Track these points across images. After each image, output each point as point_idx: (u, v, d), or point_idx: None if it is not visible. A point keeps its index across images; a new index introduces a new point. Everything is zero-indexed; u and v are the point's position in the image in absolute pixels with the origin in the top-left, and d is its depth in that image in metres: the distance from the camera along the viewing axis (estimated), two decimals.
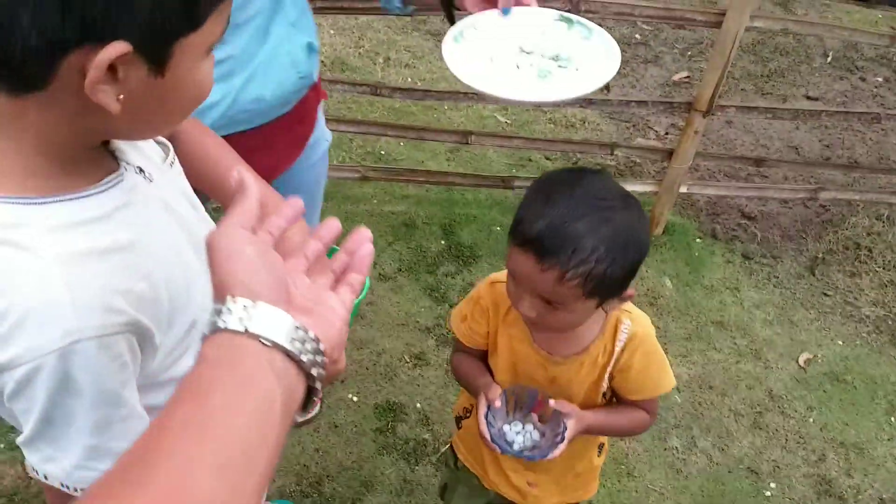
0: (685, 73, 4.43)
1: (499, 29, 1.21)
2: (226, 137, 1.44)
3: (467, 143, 2.87)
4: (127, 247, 0.76)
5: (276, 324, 0.59)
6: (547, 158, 3.53)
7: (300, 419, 0.63)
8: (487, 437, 1.24)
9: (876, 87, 4.48)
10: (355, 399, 2.37)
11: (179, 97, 0.72)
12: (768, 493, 2.28)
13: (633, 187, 3.16)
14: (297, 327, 0.60)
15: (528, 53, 1.21)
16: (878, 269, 3.16)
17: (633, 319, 1.28)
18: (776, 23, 2.71)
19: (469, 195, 3.22)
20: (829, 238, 3.26)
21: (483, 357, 1.42)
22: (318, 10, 2.04)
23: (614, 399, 1.36)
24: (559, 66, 1.18)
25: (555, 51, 1.20)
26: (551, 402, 1.25)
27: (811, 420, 2.52)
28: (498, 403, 1.26)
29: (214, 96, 1.36)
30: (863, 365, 2.75)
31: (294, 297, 0.64)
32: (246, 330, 0.58)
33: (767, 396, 2.58)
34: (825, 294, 3.05)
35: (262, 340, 0.58)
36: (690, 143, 2.85)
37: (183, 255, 0.85)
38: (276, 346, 0.58)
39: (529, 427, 1.30)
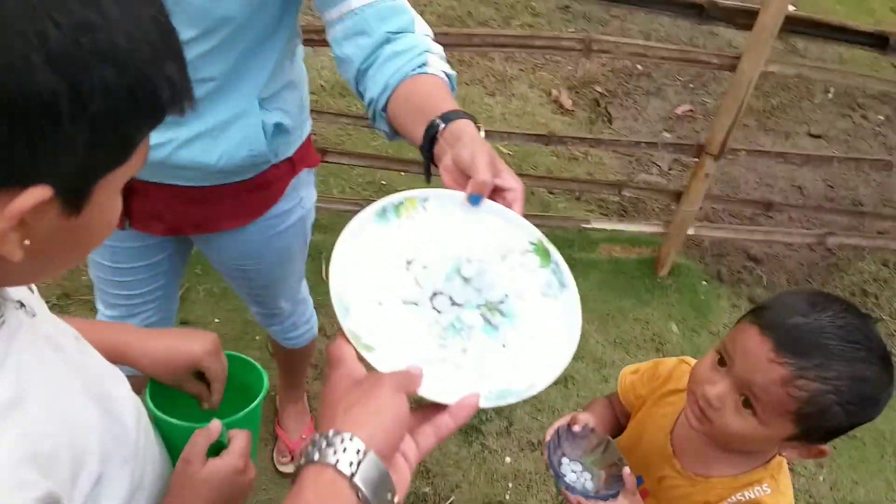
0: (688, 106, 4.39)
1: (447, 224, 0.95)
2: (160, 186, 1.37)
3: None
4: (20, 402, 0.62)
5: (376, 479, 0.62)
6: (550, 193, 3.46)
7: None
8: (545, 447, 1.17)
9: (878, 125, 4.47)
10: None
11: (91, 233, 0.62)
12: None
13: (638, 228, 3.09)
14: (390, 490, 0.64)
15: (464, 280, 0.94)
16: (885, 317, 3.12)
17: (774, 489, 1.10)
18: (790, 67, 2.66)
19: None
20: (836, 283, 3.21)
21: (618, 419, 1.35)
22: (318, 42, 1.96)
23: None
24: (490, 324, 0.91)
25: (503, 290, 0.93)
26: (625, 469, 1.13)
27: (821, 479, 2.46)
28: (577, 428, 1.18)
29: (159, 138, 1.26)
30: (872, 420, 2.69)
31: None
32: (351, 476, 0.61)
33: None
34: None
35: (360, 495, 0.61)
36: (700, 185, 2.79)
37: (76, 400, 0.71)
38: (367, 502, 0.61)
39: (587, 476, 1.18)
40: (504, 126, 3.80)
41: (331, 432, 0.63)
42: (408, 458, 0.70)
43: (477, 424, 2.39)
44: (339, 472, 0.61)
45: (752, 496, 1.09)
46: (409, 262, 0.94)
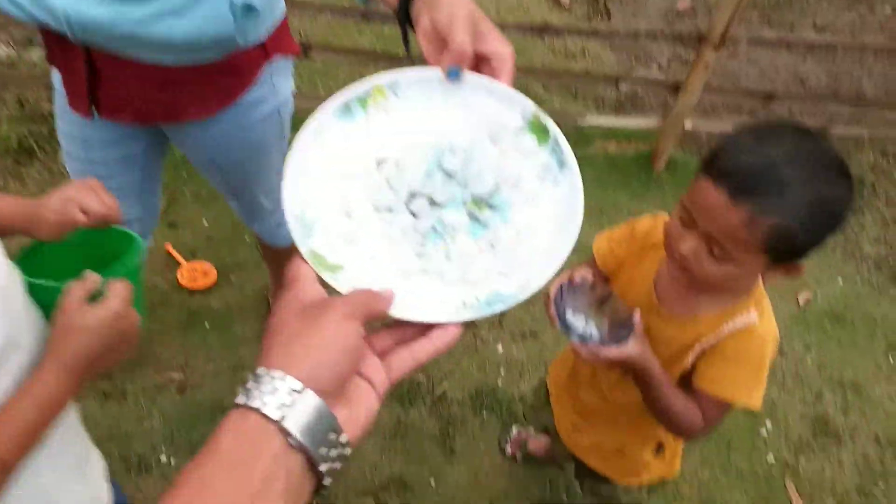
0: (689, 2, 4.24)
1: (425, 110, 0.84)
2: (126, 67, 1.32)
3: None
4: None
5: (314, 424, 0.54)
6: (545, 89, 3.39)
7: None
8: (551, 303, 1.14)
9: (884, 18, 4.31)
10: None
11: None
12: (765, 432, 2.26)
13: (635, 122, 3.04)
14: (334, 430, 0.55)
15: (447, 175, 0.83)
16: (881, 206, 3.09)
17: (761, 315, 1.12)
18: None
19: None
20: None
21: None
22: None
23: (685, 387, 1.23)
24: (478, 221, 0.80)
25: (493, 180, 0.82)
26: (636, 313, 1.12)
27: (809, 360, 2.49)
28: (578, 279, 1.16)
29: (127, 12, 1.22)
30: (863, 304, 2.71)
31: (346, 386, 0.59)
32: (280, 420, 0.52)
33: None
34: None
35: (291, 441, 0.52)
36: (700, 77, 2.72)
37: None
38: (302, 448, 0.53)
39: (592, 326, 1.17)
40: (497, 21, 3.68)
41: (260, 370, 0.55)
42: (375, 385, 0.62)
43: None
44: (265, 417, 0.53)
45: (742, 324, 1.12)
46: (380, 163, 0.84)
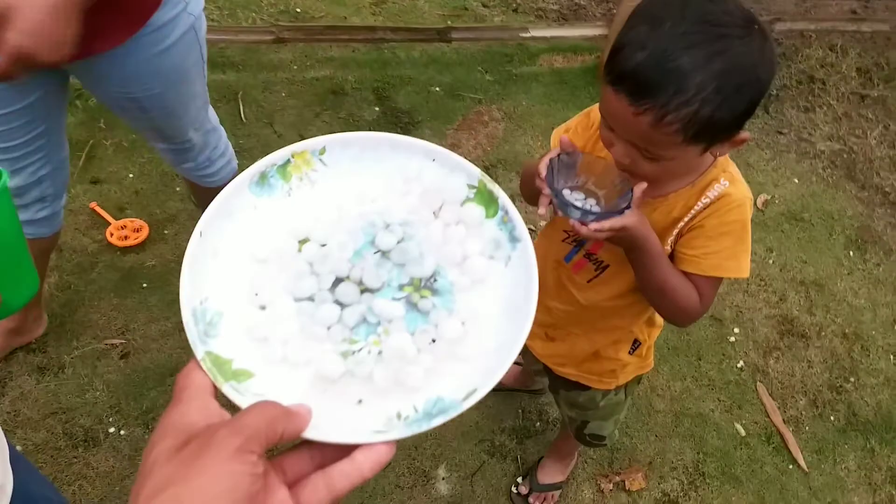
0: None
1: (356, 178, 0.74)
2: None
3: None
4: None
5: None
6: (484, 5, 3.20)
7: None
8: (545, 183, 1.03)
9: None
10: None
11: None
12: (732, 339, 2.24)
13: (580, 31, 2.90)
14: None
15: (382, 254, 0.72)
16: (831, 101, 3.05)
17: (731, 181, 1.07)
18: None
19: (402, 53, 2.90)
20: (783, 73, 3.11)
21: None
22: None
23: None
24: (417, 310, 0.69)
25: (434, 261, 0.72)
26: (636, 188, 1.02)
27: (771, 261, 2.47)
28: (569, 151, 1.06)
29: None
30: (819, 201, 2.69)
31: None
32: None
33: None
34: (780, 132, 2.93)
35: None
36: None
37: None
38: None
39: (592, 202, 1.07)
40: None
41: None
42: None
43: None
44: None
45: (716, 193, 1.06)
46: (301, 242, 0.73)
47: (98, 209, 2.24)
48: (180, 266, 0.71)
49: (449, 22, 2.97)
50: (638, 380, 1.45)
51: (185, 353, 1.96)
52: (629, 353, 1.33)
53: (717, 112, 0.89)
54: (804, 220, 2.61)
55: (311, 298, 0.70)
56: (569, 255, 1.24)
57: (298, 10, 2.98)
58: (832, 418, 2.11)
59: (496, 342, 0.66)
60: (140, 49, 1.33)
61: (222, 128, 1.79)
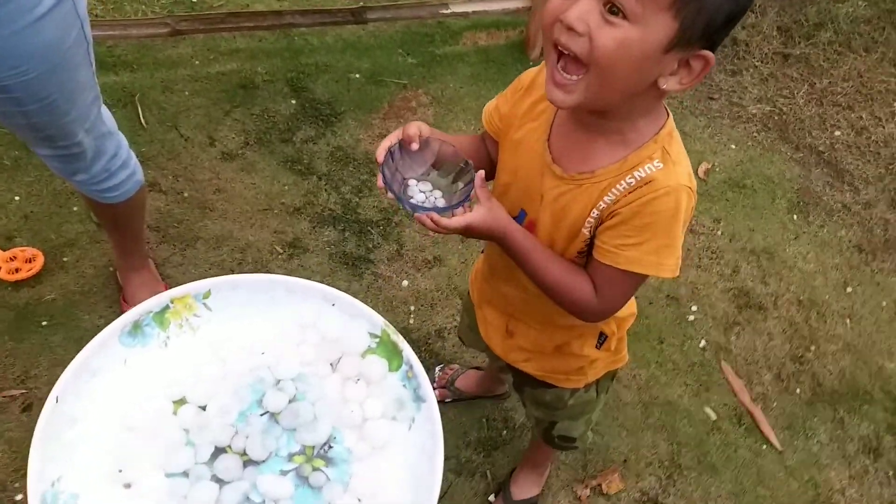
0: None
1: (243, 325, 0.68)
2: None
3: None
4: None
5: None
6: None
7: None
8: (380, 173, 0.95)
9: None
10: None
11: None
12: (692, 318, 2.16)
13: (501, 6, 2.74)
14: None
15: (270, 417, 0.65)
16: (756, 63, 3.02)
17: (666, 165, 0.92)
18: None
19: (314, 39, 2.66)
20: None
21: (490, 155, 1.15)
22: None
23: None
24: (308, 486, 0.62)
25: (330, 424, 0.65)
26: (479, 173, 0.95)
27: (719, 233, 2.40)
28: (415, 146, 0.98)
29: None
30: (758, 166, 2.64)
31: None
32: None
33: None
34: (711, 98, 2.87)
35: None
36: None
37: None
38: None
39: (437, 194, 1.00)
40: None
41: None
42: None
43: (365, 254, 2.11)
44: None
45: (642, 175, 0.92)
46: (177, 403, 0.65)
47: None
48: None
49: (362, 2, 2.75)
50: (612, 376, 1.32)
51: None
52: (596, 347, 1.20)
53: None
54: (746, 187, 2.56)
55: (185, 474, 0.62)
56: None
57: (194, 0, 2.69)
58: (798, 391, 2.06)
59: None
60: (5, 19, 1.11)
61: (122, 134, 1.54)
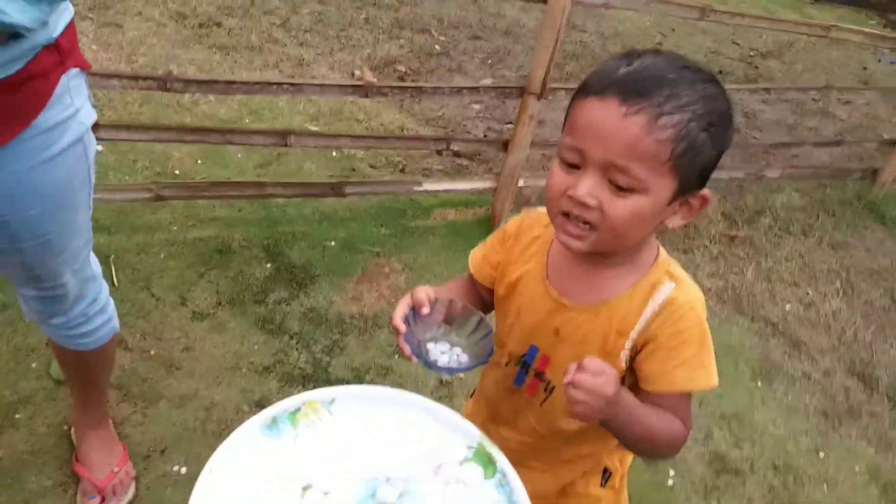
0: (490, 80, 4.37)
1: (361, 431, 0.81)
2: None
3: (286, 145, 2.45)
4: None
5: None
6: (372, 167, 3.20)
7: None
8: (403, 343, 0.95)
9: None
10: (184, 471, 1.82)
11: None
12: (671, 483, 2.10)
13: (470, 185, 2.94)
14: None
15: None
16: (706, 243, 3.23)
17: (677, 283, 0.97)
18: None
19: (292, 210, 2.78)
20: None
21: (482, 298, 1.17)
22: None
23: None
24: None
25: None
26: (572, 366, 0.88)
27: None
28: (426, 310, 1.00)
29: None
30: (718, 335, 2.72)
31: None
32: None
33: None
34: None
35: None
36: (526, 129, 2.69)
37: None
38: None
39: (458, 350, 1.01)
40: (311, 108, 3.50)
41: None
42: None
43: None
44: None
45: (664, 298, 0.96)
46: (305, 489, 0.76)
47: None
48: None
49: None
50: None
51: None
52: (601, 485, 1.15)
53: (706, 133, 0.86)
54: None
55: None
56: (518, 378, 1.09)
57: (177, 172, 2.82)
58: None
59: None
60: (23, 155, 1.13)
61: (104, 280, 1.54)
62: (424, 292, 1.01)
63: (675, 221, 0.94)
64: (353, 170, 3.15)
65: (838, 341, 2.83)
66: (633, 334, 0.97)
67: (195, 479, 1.89)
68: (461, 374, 0.96)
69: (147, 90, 2.40)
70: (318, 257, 2.59)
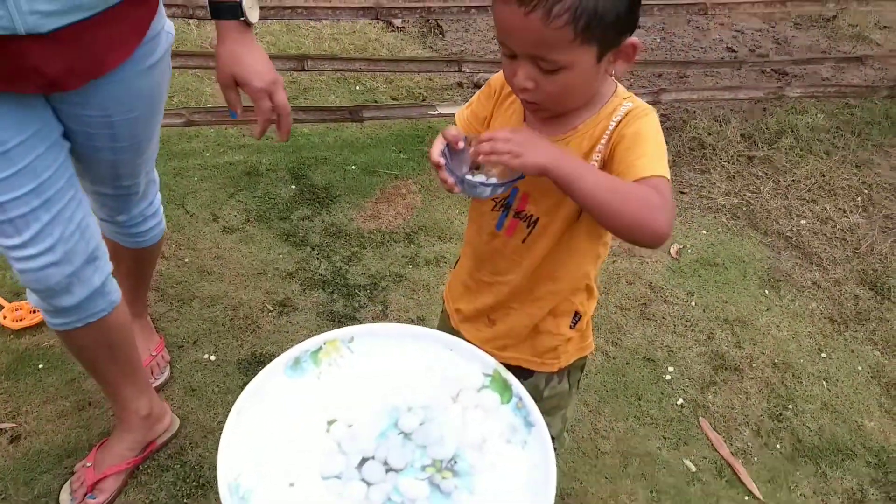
0: None
1: (380, 366, 0.82)
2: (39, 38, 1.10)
3: (303, 69, 2.59)
4: None
5: None
6: (393, 98, 3.33)
7: None
8: (444, 171, 1.02)
9: None
10: (213, 358, 2.03)
11: None
12: (668, 377, 2.21)
13: None
14: None
15: (404, 436, 0.79)
16: (724, 163, 3.26)
17: (634, 102, 1.10)
18: None
19: (315, 138, 2.94)
20: (676, 142, 3.32)
21: None
22: None
23: None
24: (440, 491, 0.75)
25: (455, 443, 0.78)
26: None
27: (693, 304, 2.50)
28: (461, 145, 1.07)
29: None
30: (728, 248, 2.79)
31: None
32: None
33: (648, 288, 2.53)
34: (682, 192, 3.08)
35: None
36: None
37: None
38: None
39: (493, 179, 1.07)
40: (336, 46, 3.63)
41: None
42: None
43: (351, 313, 2.22)
44: None
45: (624, 110, 1.08)
46: (330, 423, 0.80)
47: None
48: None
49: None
50: (581, 366, 1.38)
51: (84, 432, 1.76)
52: (570, 326, 1.28)
53: (601, 2, 0.94)
54: (718, 265, 2.69)
55: (338, 476, 0.74)
56: (499, 223, 1.21)
57: (209, 103, 3.00)
58: (778, 446, 2.07)
59: None
60: (135, 61, 1.28)
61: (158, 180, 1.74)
62: (456, 129, 1.11)
63: (617, 70, 1.06)
64: (375, 101, 3.28)
65: (853, 253, 2.85)
66: (600, 146, 1.09)
67: (222, 366, 2.09)
68: (501, 190, 1.02)
69: (171, 17, 2.56)
70: (340, 180, 2.75)
